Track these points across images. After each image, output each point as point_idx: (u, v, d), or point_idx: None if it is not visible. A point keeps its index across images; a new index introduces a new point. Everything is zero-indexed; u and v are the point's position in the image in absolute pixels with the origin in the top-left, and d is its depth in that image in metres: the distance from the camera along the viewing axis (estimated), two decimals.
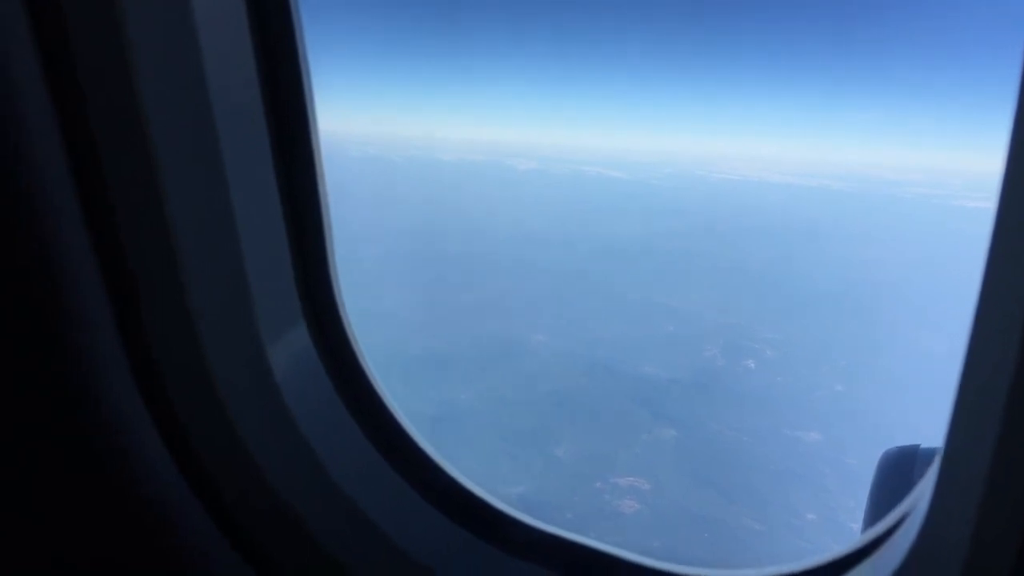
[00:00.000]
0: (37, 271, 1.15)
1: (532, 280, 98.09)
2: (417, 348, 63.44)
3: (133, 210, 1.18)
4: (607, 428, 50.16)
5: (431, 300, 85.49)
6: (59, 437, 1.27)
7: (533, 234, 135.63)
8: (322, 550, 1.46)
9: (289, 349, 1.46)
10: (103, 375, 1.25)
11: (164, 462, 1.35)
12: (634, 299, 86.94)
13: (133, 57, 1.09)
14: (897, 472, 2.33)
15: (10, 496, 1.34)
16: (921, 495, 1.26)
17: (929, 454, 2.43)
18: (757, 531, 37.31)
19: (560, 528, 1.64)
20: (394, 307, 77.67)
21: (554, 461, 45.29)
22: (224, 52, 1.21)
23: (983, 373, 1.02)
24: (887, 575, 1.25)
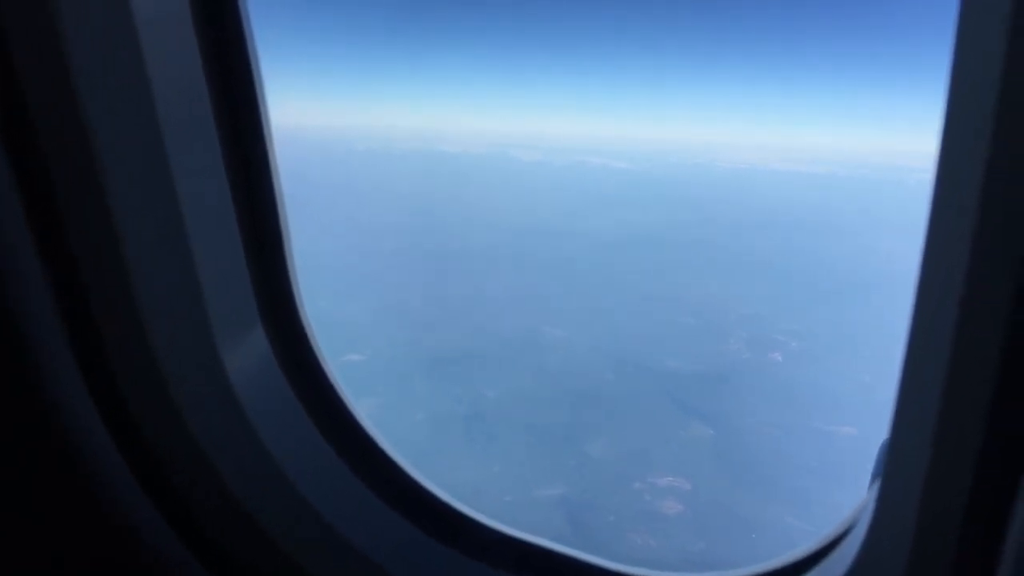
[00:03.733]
0: None
1: (544, 274, 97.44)
2: (436, 345, 62.85)
3: (80, 216, 1.17)
4: (639, 425, 49.51)
5: (444, 296, 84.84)
6: (10, 438, 1.28)
7: (541, 227, 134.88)
8: (278, 551, 1.46)
9: (245, 349, 1.45)
10: (55, 381, 1.25)
11: (118, 465, 1.35)
12: (650, 291, 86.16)
13: (72, 56, 1.07)
14: None
15: None
16: (871, 498, 1.26)
17: None
18: (804, 531, 36.59)
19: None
20: (407, 303, 77.15)
21: (589, 460, 44.62)
22: (168, 48, 1.18)
23: (919, 378, 1.04)
24: None
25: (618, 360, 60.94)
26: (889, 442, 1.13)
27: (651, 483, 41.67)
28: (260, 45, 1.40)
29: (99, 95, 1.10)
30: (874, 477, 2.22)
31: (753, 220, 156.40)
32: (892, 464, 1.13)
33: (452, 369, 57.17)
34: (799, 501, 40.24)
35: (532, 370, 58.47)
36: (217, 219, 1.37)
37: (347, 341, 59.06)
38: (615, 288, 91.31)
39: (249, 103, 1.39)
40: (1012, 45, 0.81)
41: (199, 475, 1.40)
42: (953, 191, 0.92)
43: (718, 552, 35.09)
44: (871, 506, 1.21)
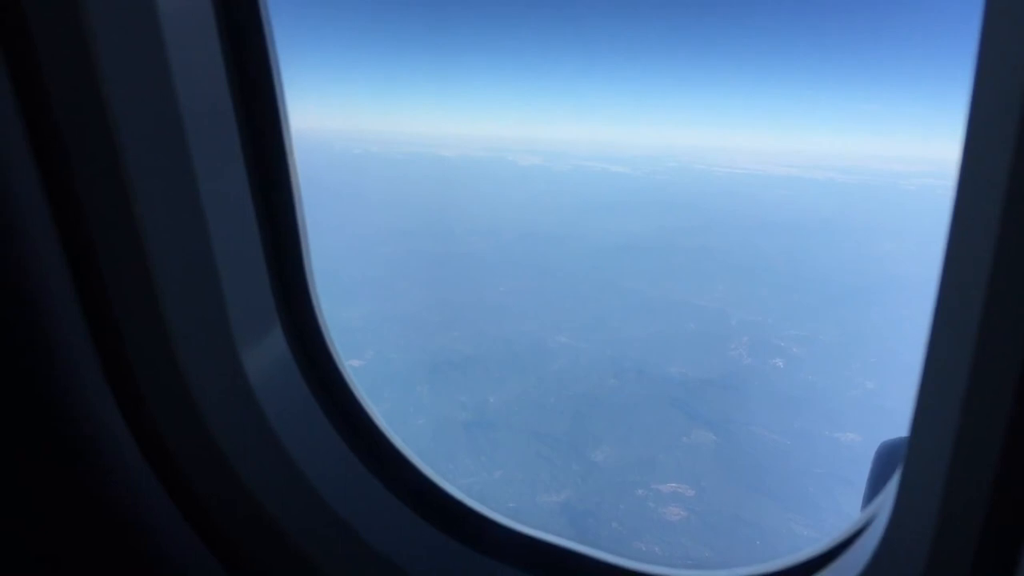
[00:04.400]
0: (6, 281, 1.15)
1: (545, 279, 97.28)
2: (436, 350, 62.69)
3: (104, 217, 1.18)
4: (643, 431, 49.34)
5: (444, 301, 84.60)
6: (33, 439, 1.29)
7: (541, 232, 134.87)
8: (298, 552, 1.46)
9: (264, 352, 1.46)
10: (76, 380, 1.25)
11: (139, 466, 1.36)
12: (651, 297, 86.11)
13: (98, 56, 1.08)
14: (893, 465, 1.98)
15: None
16: (888, 497, 1.25)
17: None
18: (812, 538, 36.32)
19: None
20: (407, 308, 76.94)
21: (593, 467, 44.48)
22: (192, 54, 1.20)
23: (940, 377, 1.03)
24: None
25: (620, 366, 60.82)
26: (909, 441, 1.11)
27: (655, 489, 41.53)
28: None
29: (123, 95, 1.11)
30: (872, 478, 2.26)
31: (752, 226, 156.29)
32: (912, 463, 1.12)
33: (453, 374, 56.98)
34: (803, 507, 40.11)
35: (535, 376, 58.32)
36: (237, 218, 1.36)
37: (347, 345, 58.87)
38: (615, 293, 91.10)
39: (269, 103, 1.38)
40: None
41: (218, 474, 1.39)
42: (976, 192, 0.92)
43: (723, 559, 34.89)
44: (888, 505, 1.19)
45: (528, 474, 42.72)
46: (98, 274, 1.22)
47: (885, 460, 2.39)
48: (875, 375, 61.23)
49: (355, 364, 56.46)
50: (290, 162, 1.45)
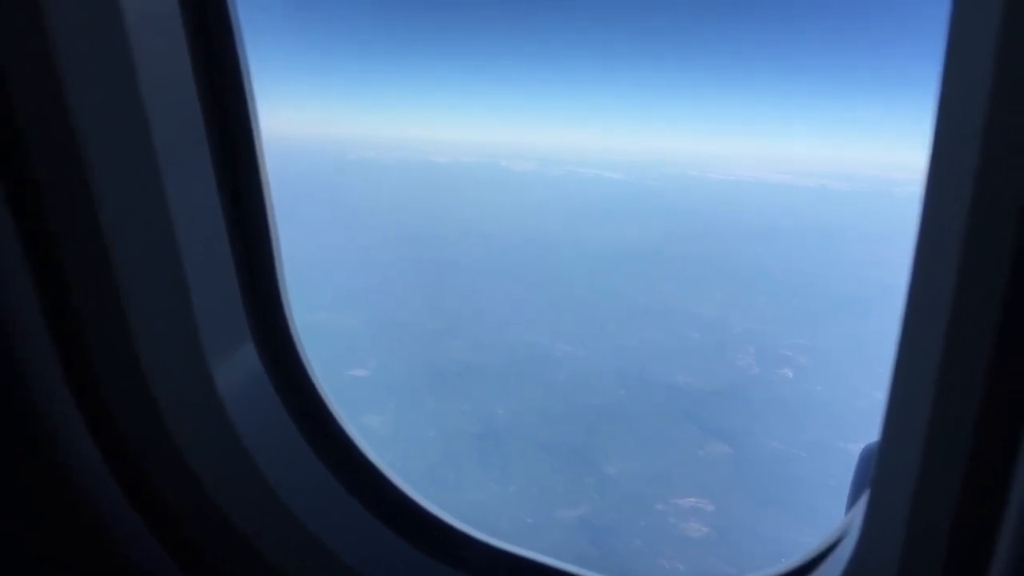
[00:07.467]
0: None
1: (543, 287, 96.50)
2: (441, 360, 61.82)
3: (69, 229, 1.16)
4: (656, 444, 48.62)
5: (443, 308, 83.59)
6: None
7: (537, 239, 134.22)
8: (267, 566, 1.46)
9: (235, 366, 1.46)
10: (42, 395, 1.25)
11: (106, 480, 1.36)
12: (652, 305, 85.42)
13: (61, 63, 1.06)
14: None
15: None
16: (859, 510, 1.24)
17: None
18: None
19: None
20: (406, 315, 75.97)
21: (608, 480, 43.65)
22: (160, 62, 1.19)
23: (909, 384, 1.04)
24: None
25: (626, 375, 60.10)
26: (879, 448, 1.10)
27: (674, 504, 40.76)
28: (249, 54, 1.38)
29: (88, 103, 1.09)
30: (854, 484, 2.18)
31: (748, 232, 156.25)
32: (881, 471, 1.11)
33: (458, 383, 56.12)
34: (821, 520, 39.41)
35: (542, 387, 57.46)
36: (207, 231, 1.34)
37: (349, 355, 58.01)
38: (614, 300, 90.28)
39: (240, 113, 1.36)
40: (1002, 50, 0.82)
41: (188, 489, 1.38)
42: (943, 194, 0.92)
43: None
44: (860, 515, 1.19)
45: (543, 488, 41.89)
46: (65, 287, 1.19)
47: (868, 465, 2.25)
48: (881, 385, 60.58)
49: (360, 374, 55.54)
50: (262, 172, 1.43)
